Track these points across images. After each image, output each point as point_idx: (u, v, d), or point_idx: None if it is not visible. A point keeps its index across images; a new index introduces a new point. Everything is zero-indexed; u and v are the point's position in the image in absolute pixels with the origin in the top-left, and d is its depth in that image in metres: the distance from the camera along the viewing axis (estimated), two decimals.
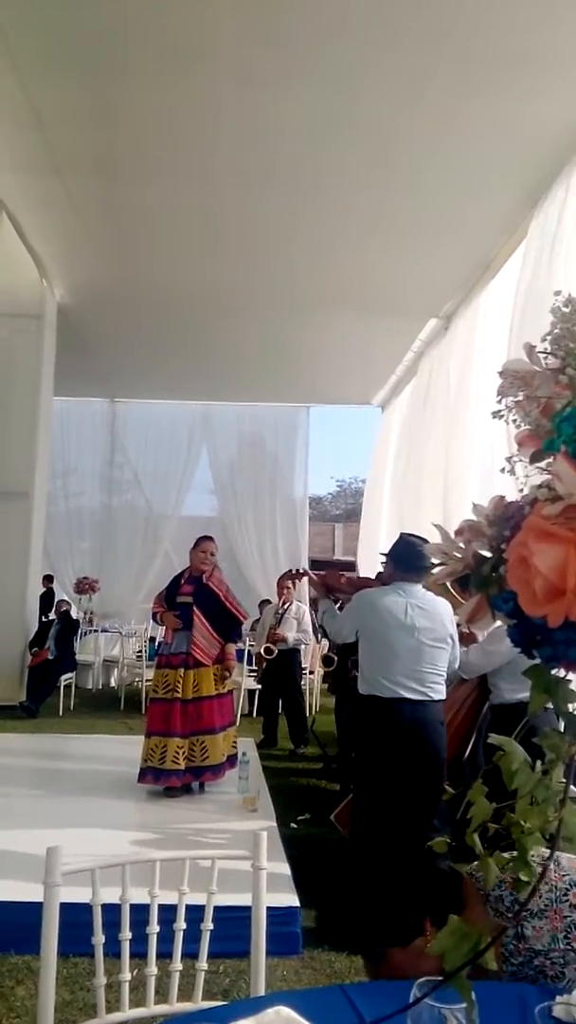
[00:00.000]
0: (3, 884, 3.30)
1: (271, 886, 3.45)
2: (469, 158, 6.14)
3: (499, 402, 0.80)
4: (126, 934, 1.60)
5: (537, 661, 0.62)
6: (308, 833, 4.72)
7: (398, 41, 5.04)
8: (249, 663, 8.39)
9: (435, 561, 0.78)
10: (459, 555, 0.75)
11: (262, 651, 7.35)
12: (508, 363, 0.79)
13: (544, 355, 0.76)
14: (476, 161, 6.18)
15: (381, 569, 4.47)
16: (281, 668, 7.33)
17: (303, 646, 7.81)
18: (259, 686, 8.14)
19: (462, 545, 0.75)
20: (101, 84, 5.70)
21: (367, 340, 10.31)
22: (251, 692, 8.62)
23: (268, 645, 7.28)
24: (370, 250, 7.74)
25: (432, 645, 3.38)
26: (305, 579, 6.90)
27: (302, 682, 7.87)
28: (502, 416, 0.80)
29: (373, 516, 12.50)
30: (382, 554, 3.81)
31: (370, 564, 11.08)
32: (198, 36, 5.10)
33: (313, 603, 6.75)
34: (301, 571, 6.66)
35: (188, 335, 10.29)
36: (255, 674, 8.30)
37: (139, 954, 1.63)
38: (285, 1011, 1.16)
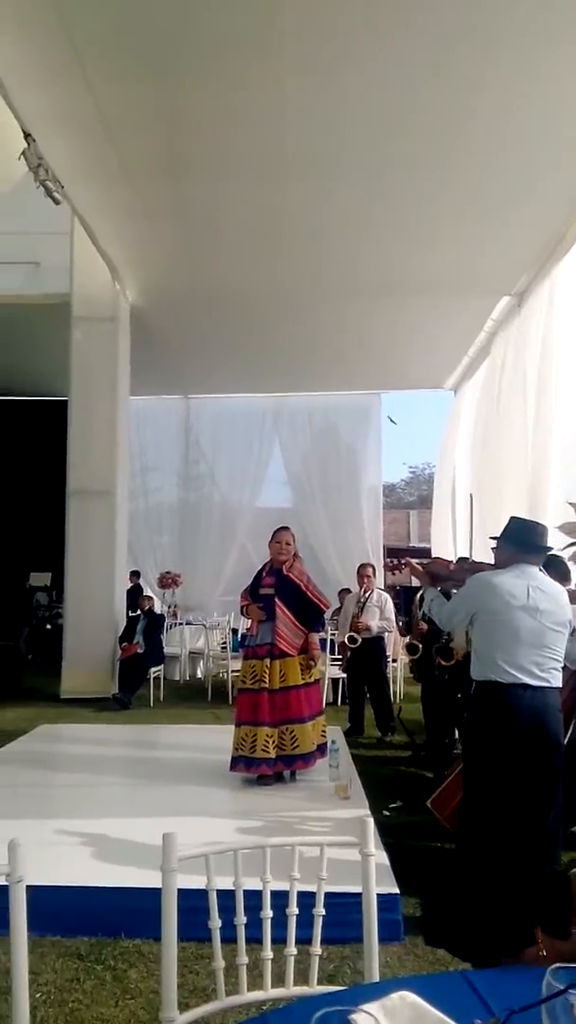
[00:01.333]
0: (110, 871, 3.42)
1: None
2: (539, 132, 5.98)
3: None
4: (241, 918, 1.65)
5: None
6: (402, 820, 4.71)
7: (463, 25, 4.94)
8: (332, 652, 8.42)
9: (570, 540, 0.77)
10: None
11: (346, 640, 7.37)
12: None
13: None
14: (546, 136, 6.02)
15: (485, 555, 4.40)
16: (366, 657, 7.32)
17: (387, 634, 7.79)
18: (344, 675, 8.17)
19: None
20: (167, 88, 5.79)
21: (438, 323, 10.17)
22: (335, 681, 8.66)
23: (352, 634, 7.29)
24: (439, 231, 7.63)
25: (553, 628, 3.29)
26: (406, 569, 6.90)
27: (386, 670, 7.86)
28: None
29: (444, 501, 12.35)
30: (493, 538, 3.73)
31: (444, 550, 10.96)
32: (261, 32, 5.12)
33: (394, 592, 6.70)
34: (403, 562, 6.62)
35: (258, 328, 10.36)
36: (339, 663, 8.33)
37: (254, 939, 1.67)
38: (410, 996, 1.18)
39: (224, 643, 9.86)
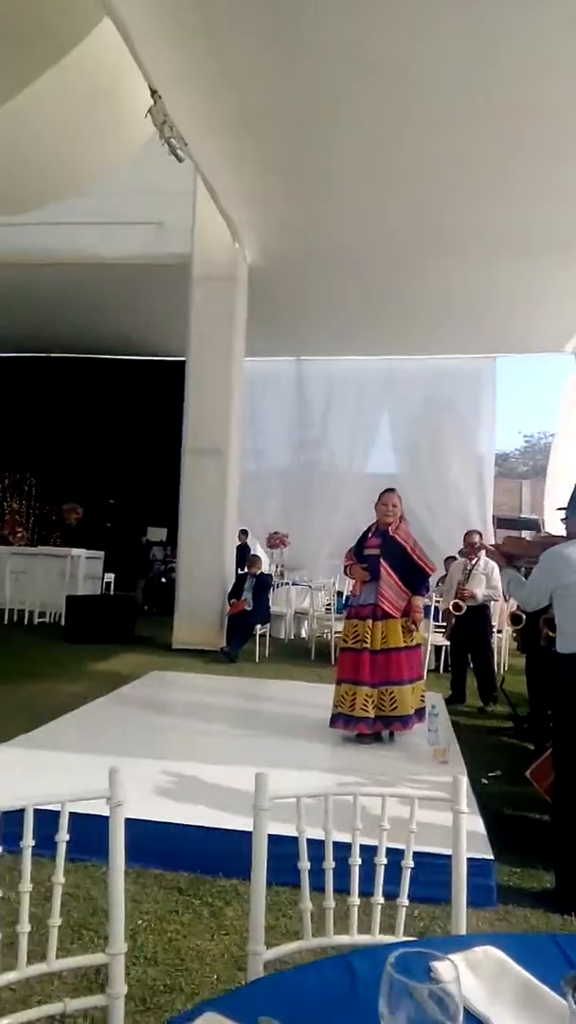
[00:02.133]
0: (211, 813, 3.55)
1: (467, 842, 3.45)
2: None
3: None
4: (330, 863, 1.67)
5: None
6: (500, 790, 4.65)
7: None
8: (436, 619, 8.32)
9: None
10: None
11: (450, 607, 7.25)
12: None
13: None
14: None
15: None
16: (470, 625, 7.20)
17: (492, 603, 7.62)
18: (447, 642, 8.07)
19: None
20: (290, 37, 5.70)
21: (561, 282, 9.65)
22: (438, 648, 8.57)
23: (456, 601, 7.17)
24: (563, 183, 7.20)
25: None
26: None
27: (491, 639, 7.70)
28: None
29: (562, 471, 11.82)
30: (561, 509, 3.59)
31: (557, 523, 10.51)
32: None
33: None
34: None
35: (372, 289, 10.20)
36: (443, 630, 8.23)
37: (342, 890, 1.69)
38: (493, 951, 1.16)
39: (329, 604, 9.93)
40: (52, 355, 14.61)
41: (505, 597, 7.24)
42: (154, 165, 6.96)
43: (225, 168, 7.75)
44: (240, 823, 3.18)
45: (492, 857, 3.32)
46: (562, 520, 3.65)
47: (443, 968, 0.86)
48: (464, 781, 1.76)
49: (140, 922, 2.86)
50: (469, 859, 3.10)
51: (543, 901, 3.22)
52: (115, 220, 9.48)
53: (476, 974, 1.11)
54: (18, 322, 12.49)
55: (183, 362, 9.57)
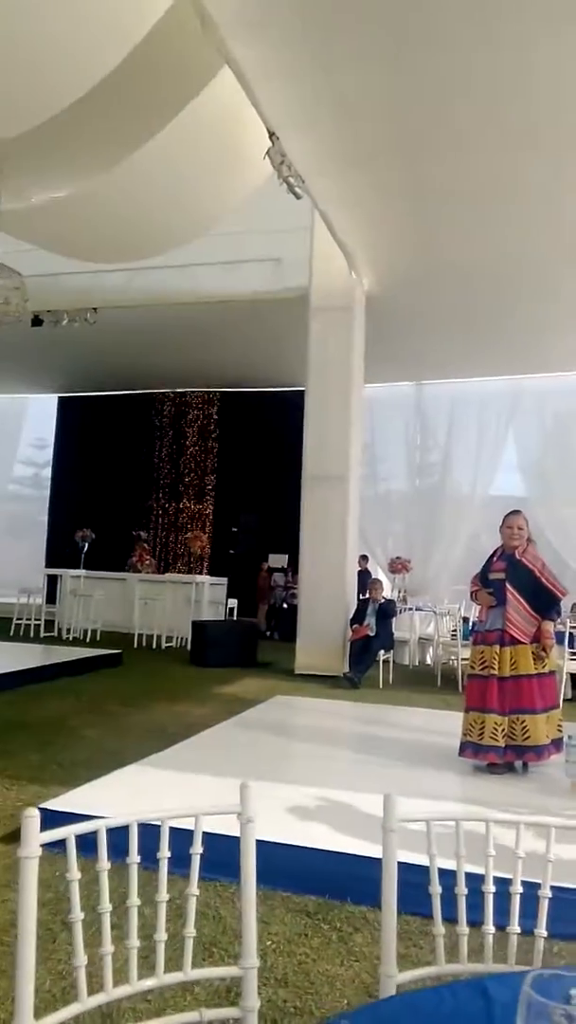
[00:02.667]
0: (338, 837, 3.54)
1: None
2: None
3: None
4: (462, 889, 1.63)
5: None
6: None
7: None
8: (571, 645, 7.97)
9: None
10: None
11: None
12: None
13: None
14: None
15: None
16: None
17: None
18: None
19: None
20: (403, 66, 5.77)
21: None
22: (574, 677, 8.19)
23: None
24: None
25: None
26: None
27: None
28: None
29: None
30: None
31: None
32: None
33: None
34: None
35: (493, 309, 10.03)
36: None
37: (474, 922, 1.65)
38: None
39: (454, 630, 9.72)
40: (177, 390, 15.27)
41: None
42: (271, 202, 7.19)
43: (341, 202, 7.89)
44: (368, 849, 3.15)
45: None
46: None
47: None
48: None
49: (269, 943, 2.88)
50: None
51: None
52: (235, 259, 9.85)
53: None
54: (147, 360, 13.14)
55: (302, 391, 9.73)
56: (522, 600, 4.96)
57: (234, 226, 8.63)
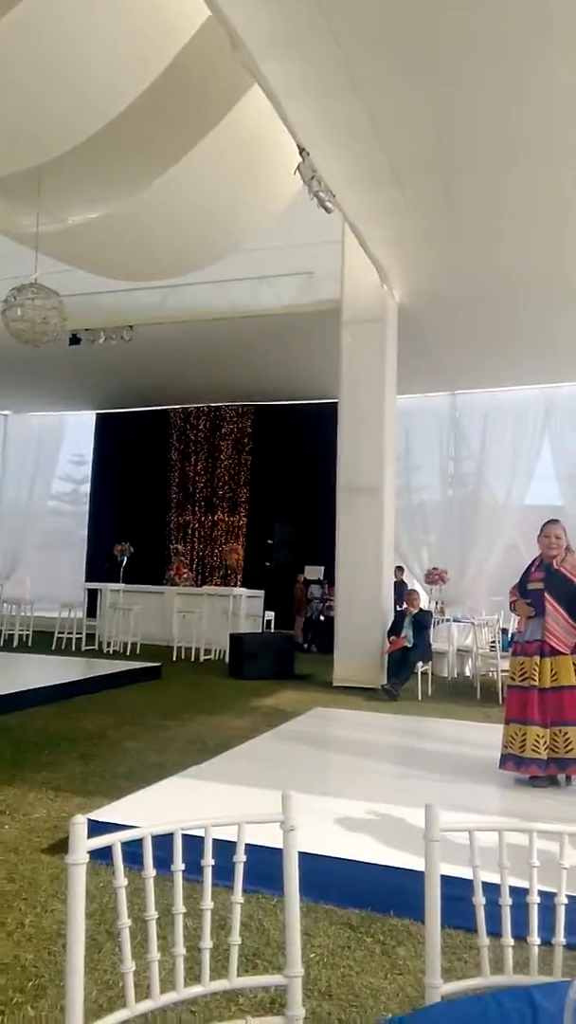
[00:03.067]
0: (380, 850, 3.52)
1: None
2: None
3: None
4: (506, 899, 1.63)
5: None
6: None
7: None
8: None
9: None
10: None
11: None
12: None
13: None
14: None
15: None
16: None
17: None
18: None
19: None
20: (434, 83, 5.79)
21: None
22: None
23: None
24: None
25: None
26: None
27: None
28: None
29: None
30: None
31: None
32: (531, 12, 4.94)
33: None
34: None
35: (527, 317, 9.98)
36: None
37: (519, 936, 1.64)
38: None
39: (493, 642, 9.62)
40: (212, 404, 15.42)
41: None
42: (302, 216, 7.26)
43: (372, 215, 7.93)
44: (410, 861, 3.14)
45: None
46: None
47: None
48: None
49: (312, 955, 2.88)
50: None
51: None
52: (267, 274, 9.94)
53: None
54: (181, 375, 13.30)
55: (336, 404, 9.76)
56: (561, 610, 4.90)
57: (266, 241, 8.73)
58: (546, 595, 4.94)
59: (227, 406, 15.39)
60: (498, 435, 13.52)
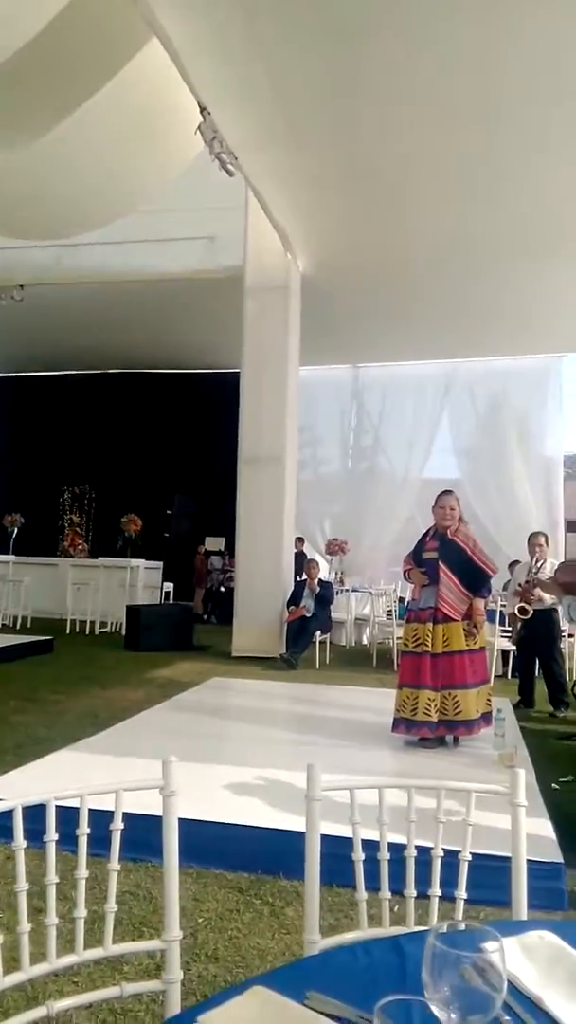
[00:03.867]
0: (271, 814, 3.55)
1: (533, 844, 3.36)
2: None
3: None
4: (384, 854, 1.65)
5: None
6: (572, 796, 4.52)
7: None
8: (502, 623, 8.17)
9: None
10: None
11: (516, 611, 7.10)
12: None
13: None
14: None
15: None
16: (538, 629, 7.03)
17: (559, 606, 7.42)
18: (513, 647, 7.91)
19: None
20: (336, 45, 5.73)
21: None
22: (505, 653, 8.41)
23: (522, 605, 7.01)
24: None
25: None
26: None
27: (562, 644, 7.50)
28: None
29: None
30: None
31: None
32: None
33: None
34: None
35: (428, 292, 10.13)
36: (509, 635, 8.07)
37: (398, 891, 1.67)
38: (550, 936, 1.13)
39: (390, 610, 9.86)
40: (110, 371, 14.97)
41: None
42: (205, 179, 7.08)
43: (275, 181, 7.83)
44: (299, 824, 3.16)
45: (562, 861, 3.22)
46: None
47: (490, 946, 0.84)
48: (522, 775, 1.72)
49: (201, 920, 2.88)
50: (537, 862, 3.04)
51: None
52: (168, 236, 9.68)
53: (530, 957, 1.07)
54: (77, 340, 12.85)
55: (238, 373, 9.67)
56: (454, 578, 5.04)
57: (168, 202, 8.48)
58: (440, 564, 5.07)
59: (126, 372, 14.96)
60: (399, 409, 13.76)
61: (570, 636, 8.33)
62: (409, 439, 13.66)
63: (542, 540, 7.33)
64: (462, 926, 0.92)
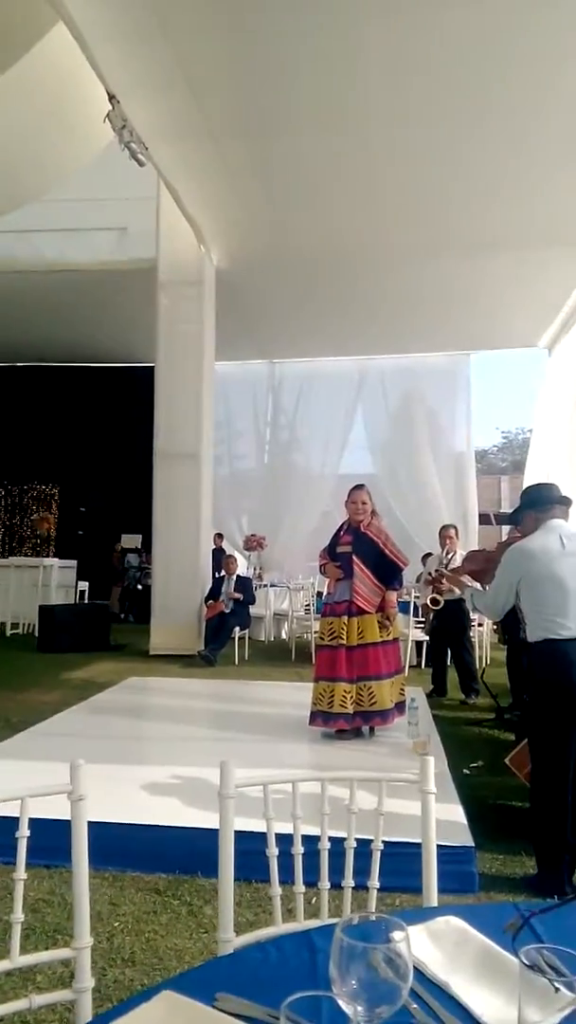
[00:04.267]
0: (188, 813, 3.52)
1: (445, 830, 3.44)
2: None
3: None
4: (298, 848, 1.65)
5: None
6: (482, 780, 4.66)
7: None
8: (416, 615, 8.34)
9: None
10: None
11: (428, 602, 7.26)
12: None
13: None
14: None
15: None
16: (449, 619, 7.21)
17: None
18: (427, 638, 8.09)
19: None
20: (247, 41, 5.71)
21: (529, 277, 9.75)
22: (419, 644, 8.60)
23: (434, 596, 7.17)
24: (531, 182, 7.28)
25: None
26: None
27: (471, 633, 7.72)
28: None
29: (542, 466, 11.91)
30: (511, 513, 3.68)
31: None
32: None
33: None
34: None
35: (344, 290, 10.22)
36: (422, 626, 8.25)
37: (312, 883, 1.68)
38: (455, 920, 1.16)
39: (308, 605, 9.93)
40: (18, 364, 14.50)
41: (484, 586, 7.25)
42: (116, 170, 6.93)
43: (187, 173, 7.74)
44: (217, 821, 3.16)
45: (472, 844, 3.32)
46: (515, 525, 3.73)
47: (397, 935, 0.85)
48: (431, 762, 1.75)
49: (117, 924, 2.83)
50: (449, 847, 3.12)
51: (526, 887, 3.23)
52: (79, 227, 9.44)
53: (437, 943, 1.10)
54: None
55: (152, 367, 9.53)
56: (367, 571, 5.11)
57: (78, 192, 8.28)
58: (354, 557, 5.13)
59: (37, 366, 14.52)
60: (314, 405, 13.84)
61: (479, 625, 8.58)
62: (325, 435, 13.77)
63: (452, 532, 7.53)
64: (373, 917, 0.93)
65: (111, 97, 6.14)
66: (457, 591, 7.07)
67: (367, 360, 13.53)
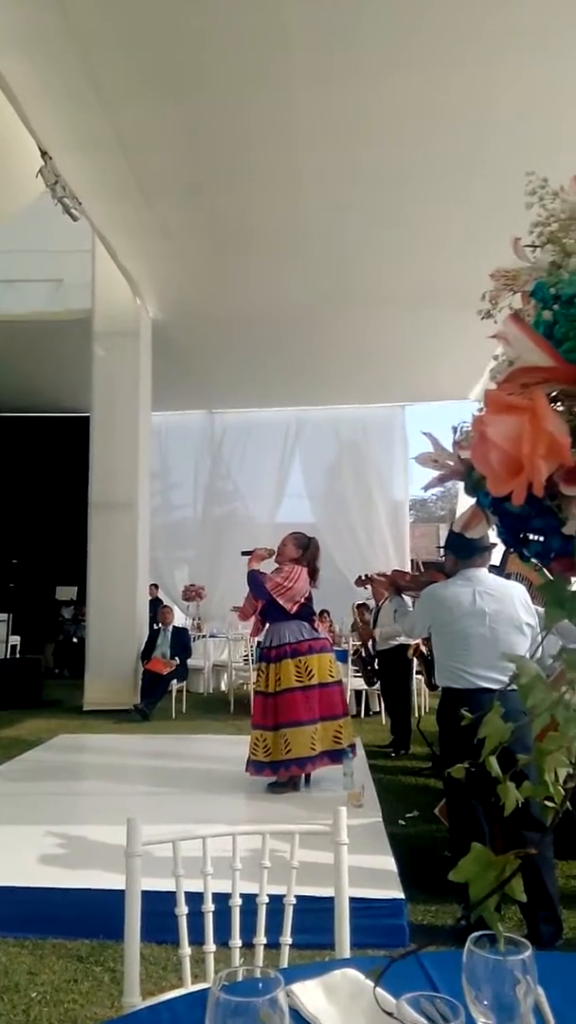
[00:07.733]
0: (112, 876, 3.39)
1: (375, 881, 3.40)
2: (560, 139, 5.91)
3: (491, 305, 0.79)
4: (209, 906, 1.63)
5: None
6: (417, 830, 4.64)
7: (478, 29, 4.95)
8: (354, 663, 8.35)
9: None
10: (451, 463, 0.74)
11: (360, 627, 7.29)
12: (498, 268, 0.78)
13: (531, 248, 0.75)
14: (567, 142, 5.97)
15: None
16: (385, 669, 7.25)
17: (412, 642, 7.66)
18: (365, 687, 8.10)
19: (459, 455, 0.74)
20: (181, 103, 5.87)
21: (460, 332, 10.06)
22: (358, 693, 8.58)
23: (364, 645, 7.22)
24: (460, 240, 7.59)
25: (506, 631, 3.23)
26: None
27: (410, 682, 7.70)
28: (492, 316, 0.80)
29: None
30: (439, 548, 3.78)
31: None
32: (271, 40, 5.16)
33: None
34: (365, 577, 6.63)
35: (280, 342, 10.40)
36: (361, 675, 8.26)
37: (223, 944, 1.65)
38: (352, 972, 1.15)
39: (247, 656, 9.84)
40: None
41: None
42: (52, 221, 6.98)
43: (122, 229, 7.84)
44: (143, 884, 3.06)
45: (403, 896, 3.29)
46: (440, 558, 3.83)
47: (280, 997, 0.84)
48: (343, 812, 1.75)
49: (35, 995, 2.71)
50: (378, 900, 3.09)
51: (457, 936, 3.19)
52: (12, 278, 9.44)
53: (331, 996, 1.09)
54: None
55: (88, 417, 9.49)
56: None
57: (11, 243, 8.29)
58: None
59: None
60: (253, 454, 13.94)
61: (418, 673, 8.61)
62: (263, 484, 13.85)
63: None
64: (257, 972, 0.92)
65: (43, 153, 6.23)
66: (378, 637, 7.16)
67: (304, 411, 13.74)
